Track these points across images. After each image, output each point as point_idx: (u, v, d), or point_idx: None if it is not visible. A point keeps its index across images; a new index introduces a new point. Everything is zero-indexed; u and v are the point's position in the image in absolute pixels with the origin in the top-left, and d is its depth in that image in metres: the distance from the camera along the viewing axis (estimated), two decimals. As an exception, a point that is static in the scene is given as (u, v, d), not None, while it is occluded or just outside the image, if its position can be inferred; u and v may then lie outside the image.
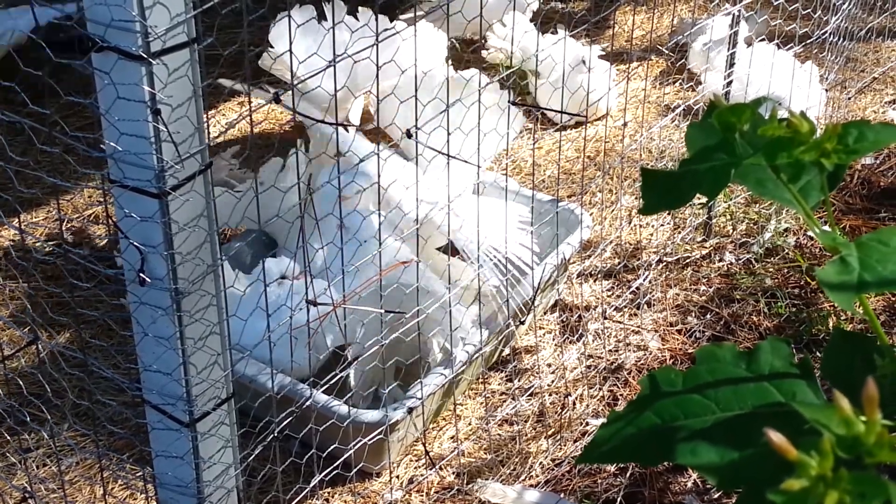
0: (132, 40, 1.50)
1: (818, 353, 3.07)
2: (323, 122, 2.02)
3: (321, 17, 3.54)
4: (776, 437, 0.84)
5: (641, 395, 1.17)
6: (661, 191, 1.16)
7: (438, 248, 3.14)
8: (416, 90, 2.27)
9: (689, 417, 1.13)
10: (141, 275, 1.65)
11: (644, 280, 3.39)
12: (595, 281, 3.42)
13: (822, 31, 3.89)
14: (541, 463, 2.82)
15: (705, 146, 1.12)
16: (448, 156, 2.47)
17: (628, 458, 1.17)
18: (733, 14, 3.36)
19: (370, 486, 2.76)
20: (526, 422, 2.95)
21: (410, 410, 2.66)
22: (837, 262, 1.06)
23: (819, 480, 0.82)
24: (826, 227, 1.16)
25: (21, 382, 2.51)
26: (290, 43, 1.89)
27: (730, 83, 3.45)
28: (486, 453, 2.85)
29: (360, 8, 3.54)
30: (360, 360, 2.66)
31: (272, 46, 3.51)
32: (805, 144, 1.05)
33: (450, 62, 3.59)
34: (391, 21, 3.67)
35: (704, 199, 3.53)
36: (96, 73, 1.55)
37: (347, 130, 3.33)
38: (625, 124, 3.70)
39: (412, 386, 2.74)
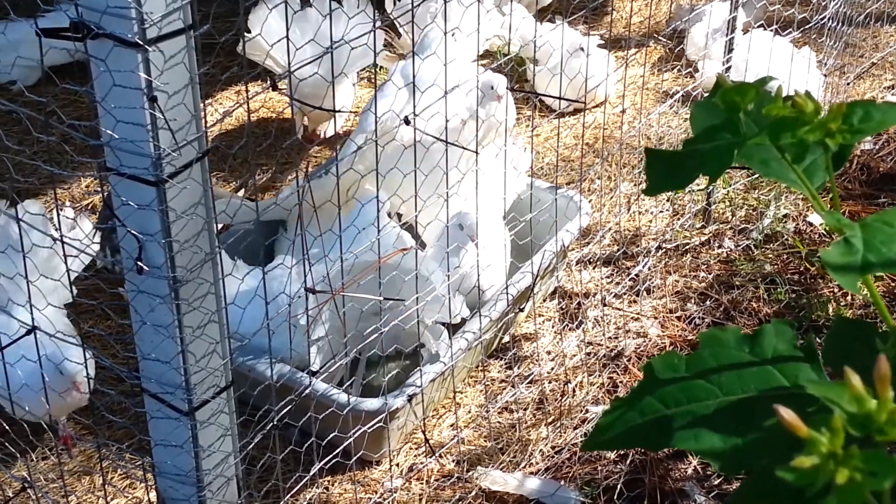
0: (128, 27, 1.49)
1: (819, 339, 3.07)
2: (320, 108, 2.02)
3: (307, 5, 3.51)
4: (787, 413, 0.83)
5: (644, 381, 1.16)
6: (666, 171, 1.15)
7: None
8: (413, 82, 2.26)
9: (692, 402, 1.12)
10: (139, 263, 1.64)
11: (643, 267, 3.38)
12: (594, 268, 3.41)
13: (821, 17, 3.88)
14: (541, 450, 2.82)
15: (710, 126, 1.11)
16: (447, 142, 2.46)
17: (632, 444, 1.17)
18: (731, 0, 3.35)
19: (370, 474, 2.75)
20: (526, 409, 2.94)
21: (410, 398, 2.65)
22: (841, 244, 1.05)
23: (830, 458, 0.81)
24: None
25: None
26: (287, 30, 1.88)
27: (728, 69, 3.44)
28: (486, 441, 2.85)
29: None
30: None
31: (249, 32, 3.46)
32: (810, 124, 1.04)
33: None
34: (381, 12, 3.65)
35: (704, 184, 3.52)
36: (92, 61, 1.54)
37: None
38: (623, 111, 3.69)
39: (412, 374, 2.73)
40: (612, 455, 2.80)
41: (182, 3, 1.52)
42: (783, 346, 1.15)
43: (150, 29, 1.50)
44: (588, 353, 3.11)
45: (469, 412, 2.95)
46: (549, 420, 2.90)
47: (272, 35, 3.31)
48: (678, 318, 3.26)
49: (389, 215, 2.47)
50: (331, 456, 2.40)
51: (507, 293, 2.89)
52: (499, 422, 2.91)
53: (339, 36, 2.11)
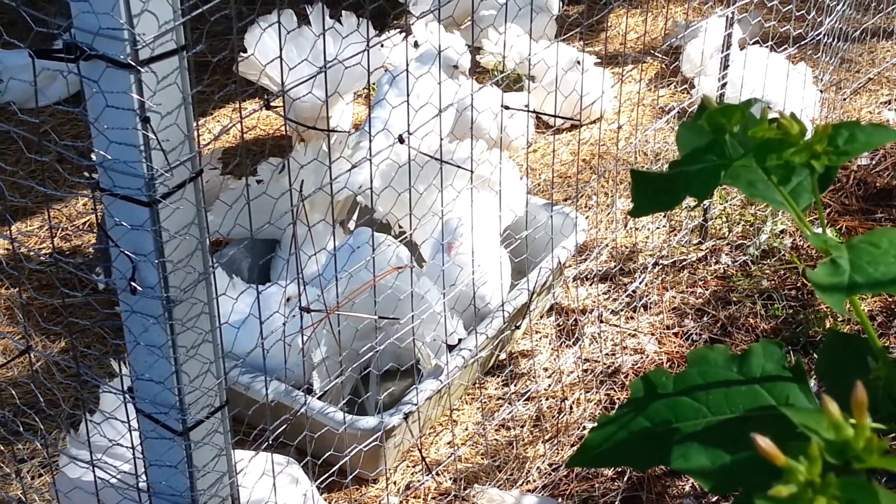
0: (120, 48, 1.49)
1: (815, 355, 3.07)
2: (314, 128, 2.03)
3: (304, 21, 3.51)
4: (763, 442, 0.83)
5: (633, 398, 1.16)
6: (652, 192, 1.15)
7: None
8: (407, 96, 2.26)
9: (680, 421, 1.12)
10: (132, 283, 1.64)
11: (640, 283, 3.38)
12: (591, 284, 3.41)
13: (817, 33, 3.89)
14: (538, 468, 2.82)
15: (696, 148, 1.11)
16: (441, 161, 2.47)
17: (619, 461, 1.17)
18: (727, 16, 3.36)
19: (367, 492, 2.75)
20: (523, 426, 2.94)
21: (407, 416, 2.65)
22: (828, 264, 1.05)
23: (807, 486, 0.81)
24: (818, 229, 1.15)
25: (14, 392, 2.51)
26: (280, 50, 1.88)
27: (724, 86, 3.44)
28: (483, 458, 2.84)
29: (343, 13, 3.51)
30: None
31: (245, 51, 3.43)
32: (795, 146, 1.04)
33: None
34: (380, 28, 3.66)
35: (695, 203, 3.53)
36: (85, 82, 1.54)
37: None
38: (619, 127, 3.70)
39: (408, 391, 2.73)
40: (609, 472, 2.79)
41: (175, 24, 1.53)
42: (771, 365, 1.15)
43: (142, 50, 1.50)
44: (585, 370, 3.11)
45: (466, 430, 2.95)
46: (547, 437, 2.89)
47: (268, 53, 3.31)
48: (675, 335, 3.26)
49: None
50: (327, 475, 2.40)
51: (504, 310, 2.89)
52: (496, 439, 2.91)
53: (337, 55, 2.11)
